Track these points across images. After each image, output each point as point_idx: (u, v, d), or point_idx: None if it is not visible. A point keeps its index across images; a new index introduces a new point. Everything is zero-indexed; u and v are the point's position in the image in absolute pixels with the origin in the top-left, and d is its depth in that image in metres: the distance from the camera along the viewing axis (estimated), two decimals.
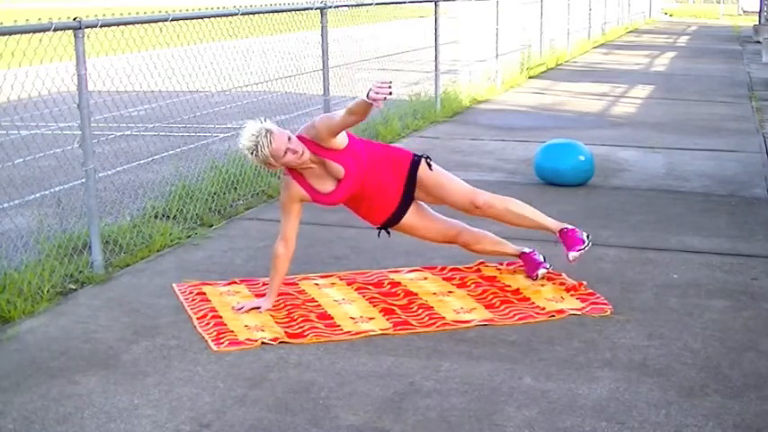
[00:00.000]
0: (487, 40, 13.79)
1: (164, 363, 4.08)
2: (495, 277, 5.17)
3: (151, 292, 5.01)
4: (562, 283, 5.00)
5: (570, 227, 4.99)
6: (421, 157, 4.92)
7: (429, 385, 3.85)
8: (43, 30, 4.95)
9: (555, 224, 5.03)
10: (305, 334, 4.35)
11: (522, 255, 5.16)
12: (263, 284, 5.00)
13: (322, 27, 8.52)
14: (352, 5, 9.84)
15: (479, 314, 4.62)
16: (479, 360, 4.10)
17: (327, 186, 4.68)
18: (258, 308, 4.69)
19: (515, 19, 15.33)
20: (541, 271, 5.06)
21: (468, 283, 5.08)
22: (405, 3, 11.83)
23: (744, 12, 42.05)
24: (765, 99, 12.99)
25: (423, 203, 4.99)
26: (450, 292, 4.96)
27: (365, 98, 4.37)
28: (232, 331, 4.40)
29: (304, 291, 4.96)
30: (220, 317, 4.59)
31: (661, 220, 6.46)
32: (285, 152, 4.49)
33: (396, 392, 3.78)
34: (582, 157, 7.49)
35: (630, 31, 29.58)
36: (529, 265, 5.12)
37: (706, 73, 16.62)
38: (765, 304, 4.79)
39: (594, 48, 22.46)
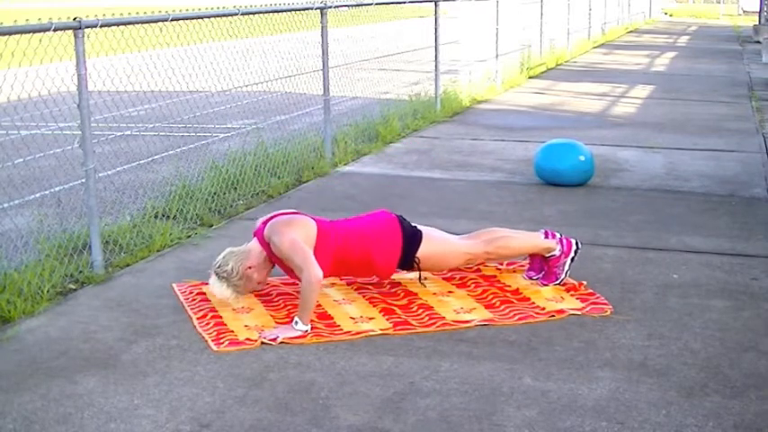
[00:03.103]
0: (487, 40, 13.79)
1: (164, 363, 4.08)
2: (495, 277, 5.17)
3: (151, 292, 5.01)
4: (562, 283, 5.00)
5: (556, 255, 4.99)
6: (413, 238, 4.84)
7: (429, 385, 3.85)
8: (43, 30, 4.95)
9: (544, 248, 5.04)
10: (305, 334, 4.35)
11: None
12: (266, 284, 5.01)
13: (322, 27, 8.52)
14: (352, 5, 9.84)
15: (479, 314, 4.62)
16: (479, 360, 4.10)
17: None
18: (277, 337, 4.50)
19: (515, 19, 15.33)
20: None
21: (468, 283, 5.08)
22: (405, 3, 11.83)
23: (744, 12, 42.06)
24: (765, 99, 12.99)
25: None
26: (450, 292, 4.96)
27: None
28: (232, 331, 4.40)
29: None
30: (220, 317, 4.59)
31: (661, 220, 6.46)
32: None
33: (396, 392, 3.78)
34: (582, 157, 7.49)
35: (630, 31, 29.60)
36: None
37: (706, 73, 16.63)
38: (765, 304, 4.79)
39: (594, 48, 22.47)
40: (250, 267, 4.63)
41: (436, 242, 4.88)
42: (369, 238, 4.76)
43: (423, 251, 4.83)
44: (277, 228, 4.60)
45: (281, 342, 4.27)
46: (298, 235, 4.54)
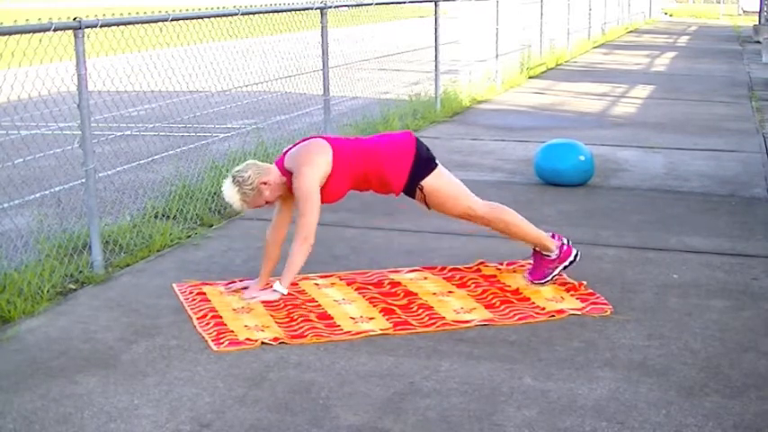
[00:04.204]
0: (487, 40, 13.79)
1: (164, 363, 4.08)
2: (495, 277, 5.17)
3: (151, 292, 5.01)
4: (562, 283, 5.00)
5: (551, 257, 4.98)
6: (428, 161, 4.90)
7: (429, 385, 3.85)
8: (43, 30, 4.95)
9: (540, 241, 5.04)
10: (305, 334, 4.35)
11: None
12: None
13: (322, 27, 8.53)
14: (352, 5, 9.84)
15: (479, 314, 4.62)
16: (479, 360, 4.10)
17: None
18: (246, 288, 4.93)
19: (515, 19, 15.33)
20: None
21: (468, 283, 5.08)
22: (405, 3, 11.83)
23: (744, 12, 42.06)
24: (765, 99, 12.99)
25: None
26: (450, 292, 4.96)
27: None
28: (232, 331, 4.40)
29: (304, 291, 4.96)
30: (220, 317, 4.59)
31: (661, 220, 6.46)
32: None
33: (396, 392, 3.78)
34: (582, 157, 7.49)
35: (630, 31, 29.60)
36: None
37: (706, 73, 16.63)
38: (765, 304, 4.79)
39: (594, 48, 22.47)
40: (265, 183, 4.74)
41: (446, 180, 4.91)
42: (381, 153, 4.84)
43: (430, 182, 4.86)
44: (298, 161, 4.72)
45: (281, 342, 4.27)
46: (318, 168, 4.67)
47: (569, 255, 5.01)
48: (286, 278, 4.66)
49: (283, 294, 4.61)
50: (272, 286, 4.92)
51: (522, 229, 5.00)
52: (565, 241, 5.07)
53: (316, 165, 4.69)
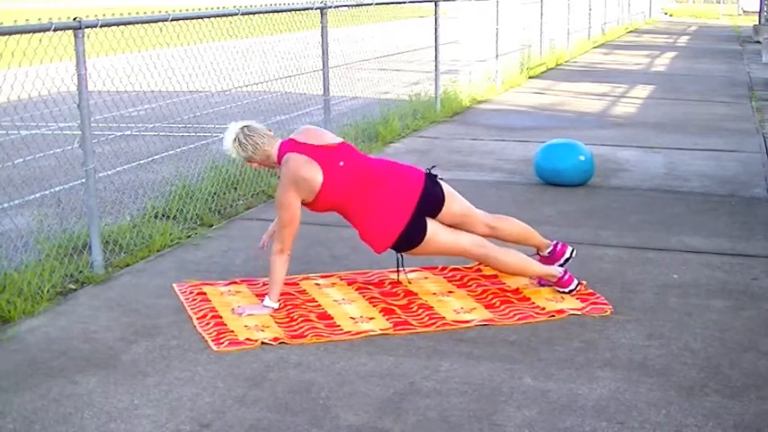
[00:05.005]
0: (487, 40, 13.79)
1: (164, 363, 4.08)
2: (496, 276, 5.17)
3: (151, 292, 5.01)
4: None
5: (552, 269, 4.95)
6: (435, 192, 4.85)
7: (429, 385, 3.85)
8: (43, 30, 4.95)
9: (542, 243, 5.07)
10: (305, 334, 4.35)
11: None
12: (263, 284, 5.00)
13: (322, 27, 8.53)
14: (352, 5, 9.84)
15: (479, 314, 4.62)
16: (479, 360, 4.10)
17: None
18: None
19: (515, 19, 15.33)
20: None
21: (469, 283, 5.08)
22: (405, 3, 11.83)
23: (744, 12, 42.06)
24: (765, 99, 12.99)
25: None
26: (450, 292, 4.96)
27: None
28: (232, 331, 4.40)
29: (304, 291, 4.96)
30: (220, 317, 4.59)
31: (661, 220, 6.46)
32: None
33: (396, 392, 3.78)
34: (582, 157, 7.49)
35: (630, 31, 29.60)
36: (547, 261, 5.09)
37: (706, 73, 16.62)
38: (765, 304, 4.79)
39: (594, 48, 22.47)
40: (253, 163, 4.78)
41: (434, 245, 4.79)
42: (371, 214, 4.72)
43: (414, 251, 4.82)
44: (285, 170, 4.64)
45: (281, 342, 4.27)
46: (297, 189, 4.60)
47: (569, 284, 4.90)
48: (273, 292, 4.63)
49: (273, 308, 4.61)
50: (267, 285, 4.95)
51: (514, 268, 4.93)
52: (565, 258, 5.02)
53: (296, 186, 4.60)
